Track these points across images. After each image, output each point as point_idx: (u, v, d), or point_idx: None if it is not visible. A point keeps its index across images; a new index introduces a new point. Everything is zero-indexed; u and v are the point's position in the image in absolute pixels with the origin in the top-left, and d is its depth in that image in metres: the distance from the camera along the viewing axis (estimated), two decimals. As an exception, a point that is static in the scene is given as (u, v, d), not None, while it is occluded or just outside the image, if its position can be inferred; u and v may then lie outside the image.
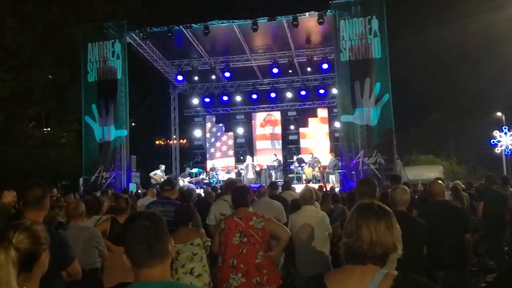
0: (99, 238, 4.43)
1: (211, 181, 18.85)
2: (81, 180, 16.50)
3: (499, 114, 33.15)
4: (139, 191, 15.54)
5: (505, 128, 30.69)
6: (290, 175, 19.22)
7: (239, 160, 22.70)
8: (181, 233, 4.86)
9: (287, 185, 8.99)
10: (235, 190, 4.86)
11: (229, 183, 6.58)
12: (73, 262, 3.14)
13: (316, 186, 13.01)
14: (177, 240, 4.85)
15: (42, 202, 3.17)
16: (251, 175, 18.46)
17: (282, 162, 20.06)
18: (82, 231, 4.46)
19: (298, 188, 11.26)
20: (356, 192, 4.23)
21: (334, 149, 20.54)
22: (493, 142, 30.78)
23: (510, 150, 30.39)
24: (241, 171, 19.85)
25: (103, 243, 4.56)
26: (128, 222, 1.91)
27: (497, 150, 30.69)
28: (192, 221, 5.15)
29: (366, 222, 1.96)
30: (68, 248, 3.13)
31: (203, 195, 11.84)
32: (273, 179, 17.73)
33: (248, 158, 19.54)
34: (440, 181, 5.32)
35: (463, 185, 10.89)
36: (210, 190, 10.33)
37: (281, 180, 16.79)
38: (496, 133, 30.70)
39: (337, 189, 13.09)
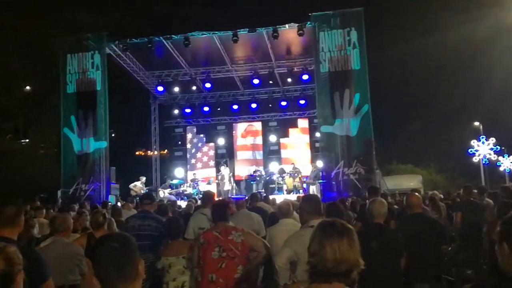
0: (81, 256, 4.36)
1: (192, 192, 18.73)
2: (59, 192, 16.26)
3: (476, 123, 33.70)
4: (119, 203, 15.37)
5: (482, 138, 31.20)
6: (271, 186, 19.22)
7: (220, 171, 22.64)
8: (173, 246, 4.85)
9: (264, 197, 9.00)
10: (215, 204, 4.84)
11: (207, 196, 6.56)
12: (48, 280, 3.09)
13: (295, 197, 13.07)
14: (169, 253, 4.83)
15: (17, 220, 3.16)
16: (227, 186, 18.41)
17: (263, 173, 20.02)
18: (66, 247, 4.40)
19: (279, 198, 11.29)
20: (300, 209, 4.26)
21: (315, 160, 20.64)
22: (471, 151, 31.25)
23: (487, 159, 30.89)
24: (218, 181, 19.83)
25: (84, 262, 4.50)
26: (97, 244, 1.89)
27: (475, 159, 31.16)
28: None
29: (329, 241, 2.00)
30: (43, 265, 3.08)
31: (183, 206, 11.77)
32: (254, 190, 17.70)
33: (224, 168, 19.47)
34: (416, 193, 5.39)
35: (441, 195, 11.04)
36: (190, 203, 10.28)
37: (262, 190, 16.82)
38: (473, 142, 31.19)
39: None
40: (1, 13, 20.66)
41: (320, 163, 17.82)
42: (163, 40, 17.13)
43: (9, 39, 20.90)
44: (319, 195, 15.83)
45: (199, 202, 10.29)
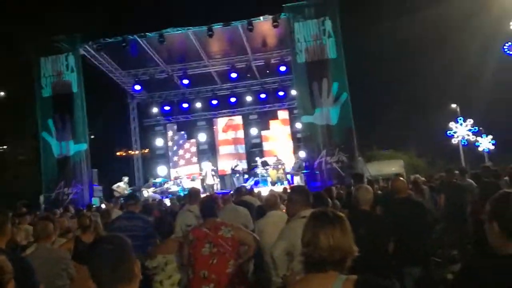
0: (67, 260, 4.31)
1: (178, 190, 18.63)
2: (41, 197, 16.05)
3: (453, 105, 34.20)
4: (103, 205, 15.24)
5: (460, 119, 31.71)
6: (255, 179, 19.27)
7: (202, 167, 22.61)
8: (167, 244, 4.84)
9: (249, 191, 9.03)
10: (203, 201, 4.84)
11: (193, 193, 6.54)
12: (39, 287, 3.06)
13: (281, 188, 13.13)
14: (165, 251, 4.82)
15: (3, 229, 3.14)
16: (210, 180, 18.39)
17: (245, 167, 20.08)
18: (50, 253, 4.34)
19: (264, 191, 11.34)
20: (289, 201, 4.29)
21: (297, 150, 20.73)
22: (450, 133, 31.75)
23: (466, 140, 31.42)
24: (201, 175, 19.84)
25: (71, 265, 4.45)
26: (92, 246, 1.89)
27: (454, 141, 31.66)
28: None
29: (322, 229, 2.03)
30: (32, 273, 3.06)
31: (168, 204, 11.74)
32: (237, 184, 17.73)
33: (206, 163, 19.43)
34: (401, 178, 5.47)
35: (423, 178, 11.22)
36: (175, 201, 10.26)
37: (245, 184, 16.83)
38: (452, 124, 31.68)
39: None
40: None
41: (302, 154, 17.93)
42: (138, 39, 16.97)
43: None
44: (304, 185, 16.00)
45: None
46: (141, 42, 17.43)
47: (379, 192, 8.40)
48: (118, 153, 30.93)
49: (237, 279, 4.35)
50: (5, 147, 24.14)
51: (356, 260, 4.09)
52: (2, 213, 3.14)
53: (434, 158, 38.92)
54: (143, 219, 5.54)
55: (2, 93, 22.28)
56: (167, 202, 13.44)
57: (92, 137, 23.18)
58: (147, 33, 16.82)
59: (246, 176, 20.21)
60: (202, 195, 6.51)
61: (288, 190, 12.82)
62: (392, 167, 23.80)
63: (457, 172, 8.39)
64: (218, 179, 19.35)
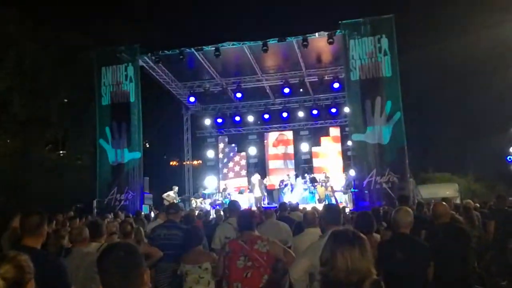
0: None
1: (224, 201, 18.83)
2: (95, 202, 16.61)
3: (514, 130, 32.64)
4: (152, 213, 15.59)
5: (522, 144, 30.20)
6: (304, 196, 19.10)
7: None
8: (192, 255, 4.91)
9: (295, 206, 8.95)
10: (240, 214, 4.87)
11: (232, 206, 6.58)
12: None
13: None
14: (186, 261, 4.89)
15: (40, 230, 3.24)
16: (258, 193, 18.33)
17: (293, 182, 19.93)
18: (85, 256, 4.47)
19: (310, 208, 11.20)
20: (320, 219, 4.21)
21: (347, 168, 20.41)
22: (510, 158, 30.28)
23: (526, 166, 29.85)
24: (248, 188, 19.86)
25: None
26: (103, 252, 1.93)
27: (515, 167, 30.17)
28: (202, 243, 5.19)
29: (340, 249, 1.97)
30: (64, 274, 3.15)
31: (214, 216, 11.87)
32: (284, 199, 17.63)
33: (255, 176, 19.41)
34: (443, 203, 5.26)
35: (477, 204, 10.74)
36: (220, 213, 10.35)
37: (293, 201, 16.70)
38: (512, 149, 30.22)
39: (347, 209, 12.91)
40: (38, 26, 21.38)
41: (352, 172, 17.62)
42: (195, 52, 17.39)
43: (47, 52, 21.61)
44: (351, 205, 15.72)
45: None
46: (198, 55, 17.86)
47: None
48: (171, 163, 31.64)
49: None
50: (65, 152, 25.24)
51: (392, 284, 3.98)
52: (38, 215, 3.25)
53: (494, 183, 37.15)
54: (181, 229, 5.62)
55: (65, 100, 23.38)
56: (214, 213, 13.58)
57: (147, 145, 23.92)
58: (203, 47, 17.23)
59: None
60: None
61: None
62: (446, 190, 22.91)
63: (511, 199, 7.99)
64: (266, 193, 19.31)
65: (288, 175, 20.83)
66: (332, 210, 4.13)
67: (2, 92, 20.60)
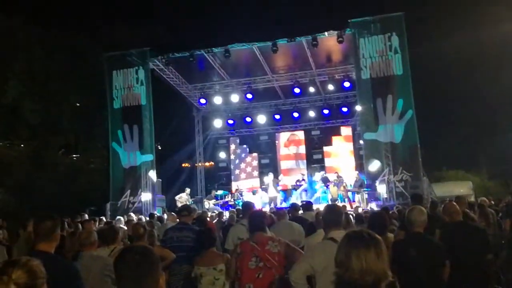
0: (112, 267, 4.42)
1: (236, 202, 18.83)
2: (108, 205, 16.72)
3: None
4: (165, 215, 15.63)
5: (537, 140, 29.80)
6: (316, 196, 19.02)
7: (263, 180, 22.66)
8: (206, 257, 4.91)
9: (308, 206, 8.89)
10: (251, 215, 4.85)
11: (246, 207, 6.56)
12: None
13: (340, 205, 12.85)
14: (201, 263, 4.89)
15: (53, 234, 3.25)
16: (272, 192, 18.26)
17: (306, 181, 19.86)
18: (94, 260, 4.47)
19: (322, 207, 11.13)
20: (322, 220, 4.14)
21: (359, 168, 20.30)
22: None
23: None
24: (262, 188, 19.81)
25: None
26: (119, 256, 1.92)
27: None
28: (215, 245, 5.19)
29: (355, 251, 1.95)
30: (77, 278, 3.16)
31: (226, 217, 11.87)
32: (297, 199, 17.57)
33: (269, 175, 19.34)
34: (454, 203, 5.19)
35: (492, 201, 10.62)
36: (233, 214, 10.35)
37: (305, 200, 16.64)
38: (528, 145, 29.83)
39: (360, 209, 12.82)
40: (47, 32, 21.57)
41: (365, 171, 17.50)
42: (204, 53, 17.43)
43: (57, 57, 21.80)
44: (364, 204, 15.61)
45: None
46: (208, 57, 17.89)
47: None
48: (183, 165, 31.74)
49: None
50: (78, 155, 25.44)
51: (406, 283, 3.93)
52: (52, 219, 3.26)
53: (508, 180, 36.68)
54: (194, 231, 5.63)
55: (78, 104, 23.58)
56: (227, 214, 13.56)
57: (159, 148, 24.01)
58: (213, 48, 17.25)
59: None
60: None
61: (348, 209, 12.60)
62: (460, 188, 22.69)
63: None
64: (279, 193, 19.28)
65: (302, 174, 20.76)
66: (333, 211, 4.02)
67: (13, 98, 20.81)
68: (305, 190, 19.22)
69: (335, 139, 22.97)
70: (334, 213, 3.95)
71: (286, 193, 20.30)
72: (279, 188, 19.27)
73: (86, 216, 11.41)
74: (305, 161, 23.36)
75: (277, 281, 4.29)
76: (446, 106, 38.63)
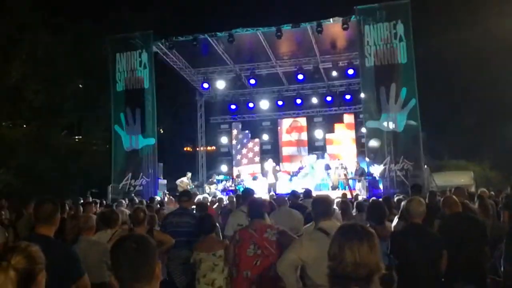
0: (109, 253, 4.43)
1: (237, 187, 18.89)
2: (109, 187, 16.79)
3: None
4: (166, 198, 15.70)
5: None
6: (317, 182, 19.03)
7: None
8: (205, 242, 4.94)
9: (308, 193, 8.92)
10: (251, 202, 4.87)
11: (246, 193, 6.58)
12: (83, 275, 3.18)
13: (341, 193, 12.90)
14: (200, 248, 4.92)
15: (53, 219, 3.27)
16: (271, 179, 18.29)
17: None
18: (92, 245, 4.48)
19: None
20: (312, 211, 4.14)
21: (361, 156, 20.31)
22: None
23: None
24: (263, 173, 19.86)
25: None
26: (116, 244, 1.94)
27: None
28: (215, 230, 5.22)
29: (349, 244, 1.96)
30: (76, 261, 3.18)
31: (226, 202, 11.91)
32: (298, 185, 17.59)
33: (269, 161, 19.34)
34: (453, 195, 5.21)
35: (492, 192, 10.60)
36: (233, 199, 10.37)
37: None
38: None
39: (360, 197, 12.84)
40: (52, 14, 21.45)
41: (366, 159, 17.51)
42: (208, 38, 17.32)
43: (60, 39, 21.72)
44: (365, 192, 15.65)
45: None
46: (211, 41, 17.78)
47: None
48: (185, 149, 31.78)
49: (281, 283, 4.34)
50: (80, 137, 25.46)
51: (404, 273, 3.96)
52: (52, 203, 3.27)
53: (510, 171, 36.64)
54: (193, 216, 5.66)
55: (80, 86, 23.56)
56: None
57: (162, 131, 24.03)
58: (217, 32, 17.15)
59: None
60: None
61: (348, 196, 12.61)
62: (461, 178, 22.63)
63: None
64: (277, 180, 19.31)
65: (300, 161, 20.77)
66: (321, 202, 3.97)
67: (17, 79, 20.79)
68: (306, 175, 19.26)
69: (337, 126, 22.96)
70: (323, 204, 3.93)
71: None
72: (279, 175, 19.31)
73: (90, 199, 11.44)
74: (306, 147, 23.38)
75: (274, 269, 4.33)
76: (451, 96, 38.43)
